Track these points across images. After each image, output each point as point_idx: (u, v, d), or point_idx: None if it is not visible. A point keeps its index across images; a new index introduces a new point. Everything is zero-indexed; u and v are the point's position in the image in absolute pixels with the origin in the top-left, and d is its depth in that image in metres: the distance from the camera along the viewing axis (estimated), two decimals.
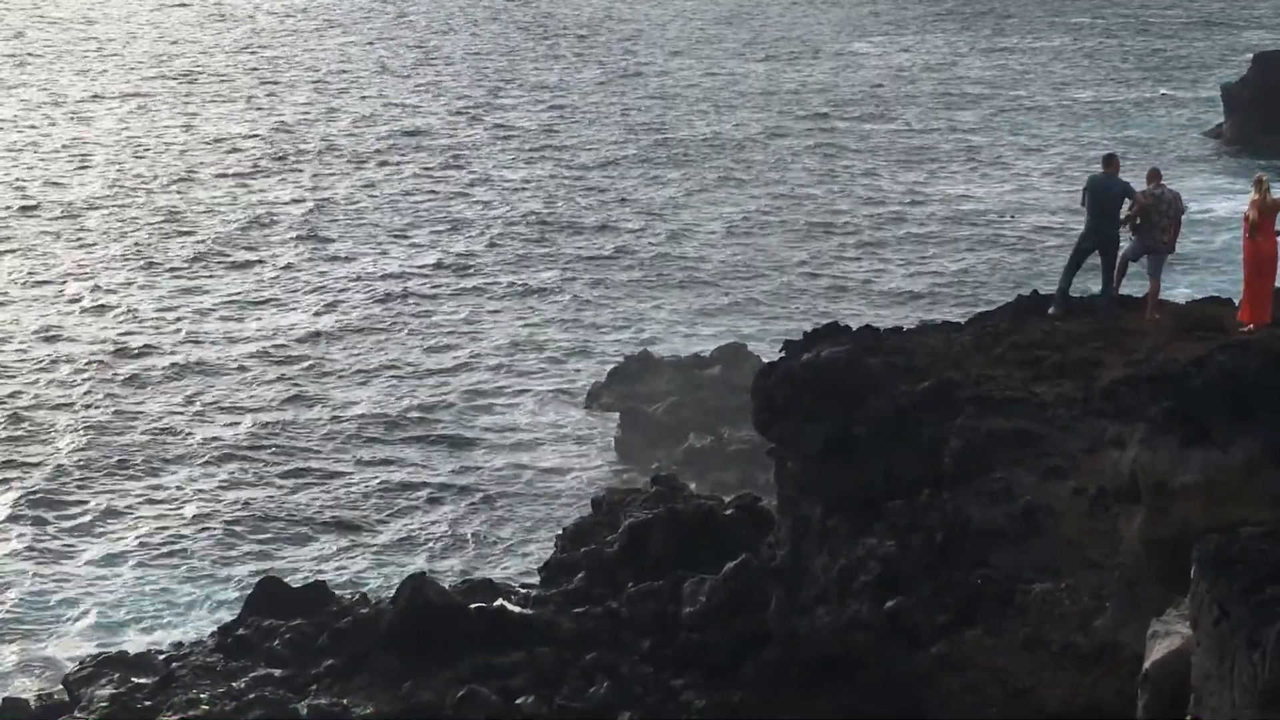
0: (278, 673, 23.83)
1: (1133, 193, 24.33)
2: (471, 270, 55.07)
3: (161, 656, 25.88)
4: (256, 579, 28.69)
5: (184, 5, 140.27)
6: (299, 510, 35.18)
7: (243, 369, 44.28)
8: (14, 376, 43.30)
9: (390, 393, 42.71)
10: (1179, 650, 13.14)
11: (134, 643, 28.37)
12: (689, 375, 41.94)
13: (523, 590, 27.15)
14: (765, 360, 31.56)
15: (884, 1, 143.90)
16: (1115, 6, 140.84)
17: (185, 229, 59.99)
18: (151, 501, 35.50)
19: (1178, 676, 12.81)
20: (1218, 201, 63.25)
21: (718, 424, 38.22)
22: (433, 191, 67.29)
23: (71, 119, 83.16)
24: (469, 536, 34.05)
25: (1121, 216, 24.42)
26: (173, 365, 44.48)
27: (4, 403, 41.27)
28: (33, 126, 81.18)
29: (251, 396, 42.10)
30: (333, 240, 58.88)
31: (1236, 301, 24.45)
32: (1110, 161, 25.04)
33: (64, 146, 75.46)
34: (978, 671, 15.20)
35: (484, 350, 46.42)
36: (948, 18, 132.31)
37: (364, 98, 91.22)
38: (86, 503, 35.35)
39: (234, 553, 33.05)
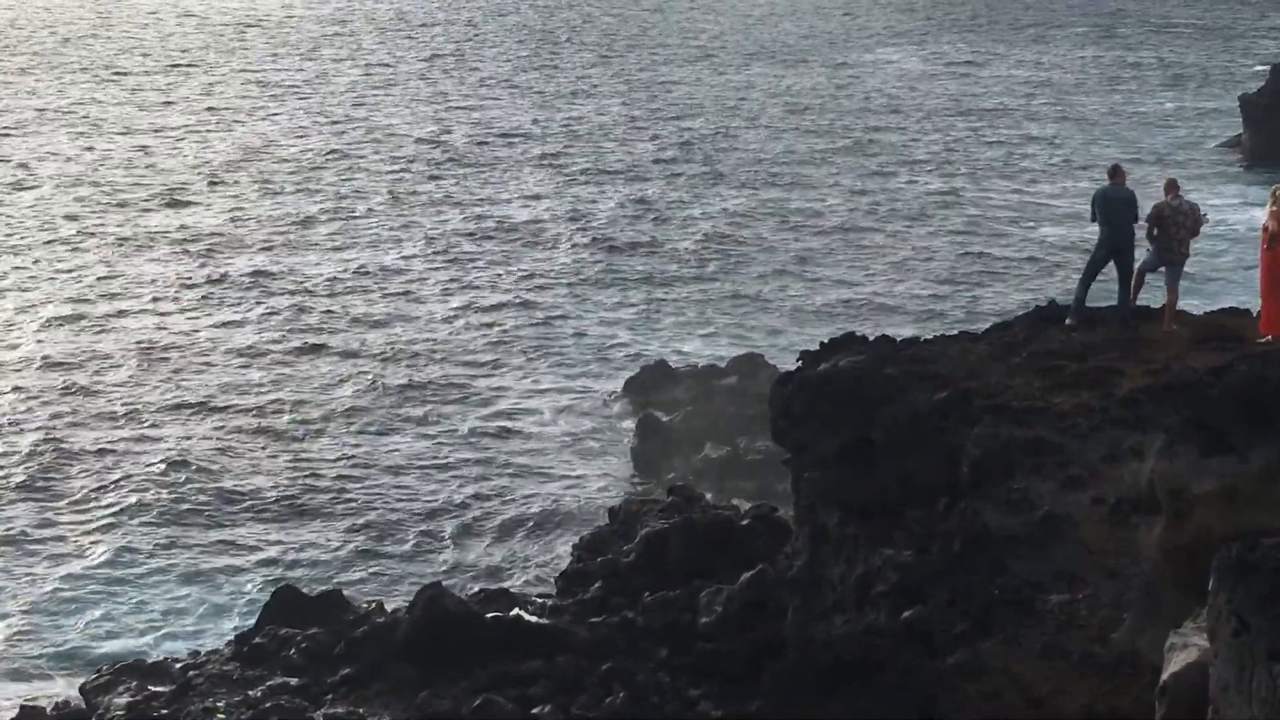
0: (294, 681, 23.85)
1: (1135, 205, 24.45)
2: (488, 281, 55.09)
3: (178, 665, 25.91)
4: (273, 588, 28.73)
5: (192, 16, 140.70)
6: (316, 519, 35.20)
7: (257, 379, 44.33)
8: (25, 378, 43.39)
9: (406, 403, 42.73)
10: (1197, 662, 13.09)
11: (151, 651, 28.40)
12: (706, 385, 41.92)
13: (539, 600, 27.16)
14: (782, 370, 31.58)
15: (897, 12, 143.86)
16: (1132, 17, 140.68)
17: (203, 235, 60.12)
18: (168, 510, 35.52)
19: (1196, 688, 12.75)
20: (1236, 213, 63.08)
21: (734, 434, 38.20)
22: (446, 201, 67.35)
23: (82, 124, 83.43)
24: (485, 546, 34.05)
25: (1135, 226, 24.57)
26: (189, 373, 44.55)
27: (18, 407, 41.36)
28: (42, 132, 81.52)
29: (267, 408, 42.14)
30: (349, 250, 58.96)
31: (1255, 313, 24.43)
32: (1116, 172, 25.17)
33: (75, 156, 75.70)
34: (996, 680, 15.18)
35: (500, 360, 46.45)
36: (961, 27, 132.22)
37: (379, 107, 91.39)
38: (103, 510, 35.40)
39: (251, 561, 33.08)
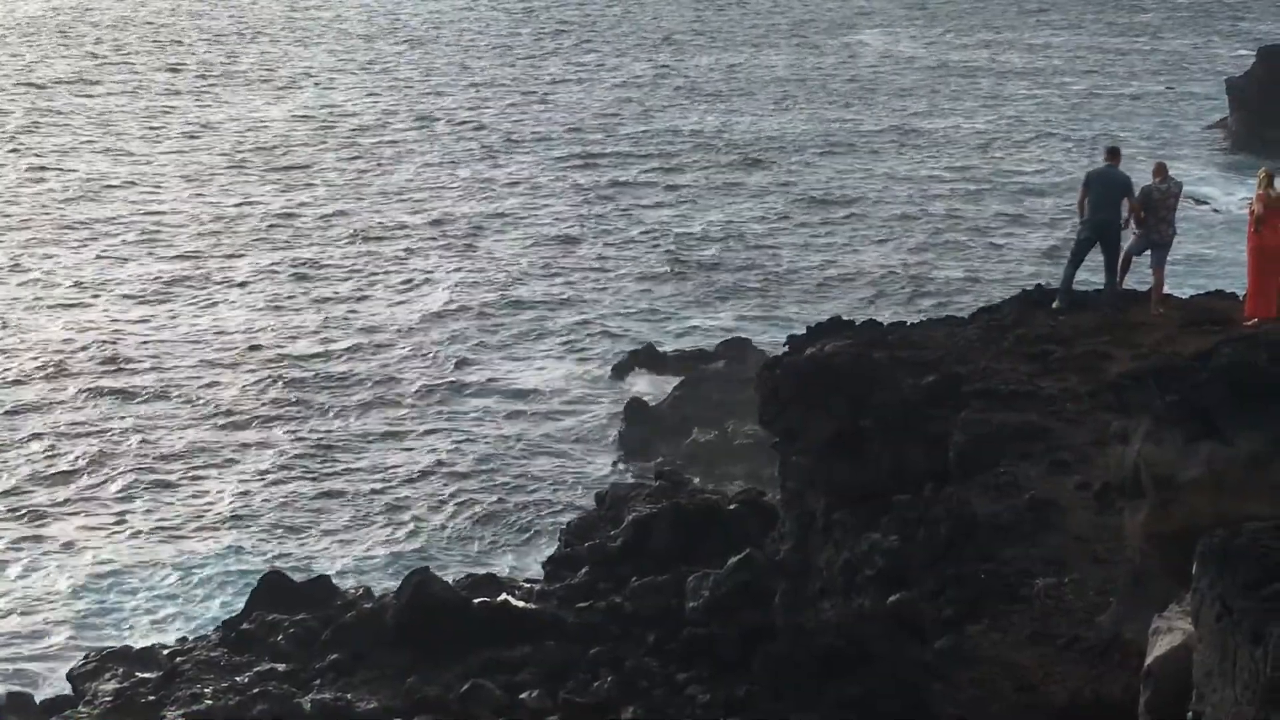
0: (282, 667, 23.87)
1: (1131, 190, 24.44)
2: (472, 267, 55.00)
3: (166, 651, 25.92)
4: (260, 574, 28.71)
5: None
6: (302, 504, 35.16)
7: (244, 364, 44.23)
8: (22, 372, 43.28)
9: (392, 389, 42.67)
10: (1181, 646, 13.13)
11: (138, 637, 28.38)
12: (693, 369, 41.91)
13: (527, 585, 27.20)
14: (770, 355, 31.59)
15: None
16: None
17: (196, 225, 59.98)
18: (154, 496, 35.48)
19: (1180, 672, 12.80)
20: (1222, 196, 63.16)
21: (722, 418, 38.20)
22: (431, 185, 67.20)
23: (64, 115, 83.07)
24: (473, 531, 34.04)
25: (1124, 216, 24.61)
26: (176, 362, 44.45)
27: (12, 398, 41.26)
28: (23, 117, 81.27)
29: (253, 392, 42.06)
30: (335, 237, 58.84)
31: (1241, 296, 24.50)
32: (1113, 154, 25.20)
33: (57, 149, 75.46)
34: (983, 665, 15.23)
35: (486, 346, 46.38)
36: (944, 10, 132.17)
37: (365, 93, 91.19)
38: (90, 498, 35.34)
39: (238, 547, 33.05)
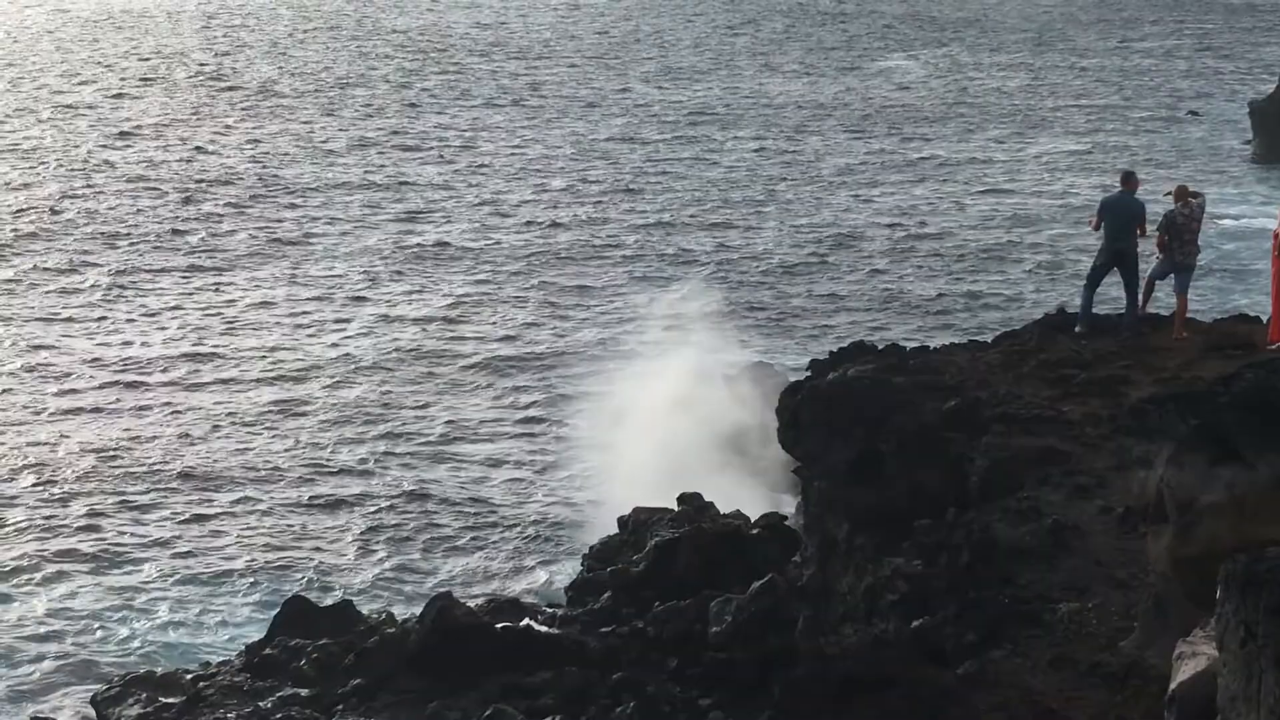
0: (304, 692, 23.91)
1: (1144, 218, 24.58)
2: (494, 288, 55.13)
3: (189, 676, 25.96)
4: (284, 598, 28.77)
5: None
6: (326, 530, 35.23)
7: (266, 387, 44.36)
8: (36, 391, 43.46)
9: (412, 412, 42.76)
10: (1206, 671, 13.10)
11: (161, 662, 28.44)
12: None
13: (549, 610, 27.24)
14: (791, 379, 31.60)
15: (894, 19, 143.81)
16: (1140, 22, 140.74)
17: (202, 240, 60.23)
18: (177, 520, 35.56)
19: (1204, 698, 12.76)
20: (1246, 220, 63.01)
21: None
22: (452, 212, 67.35)
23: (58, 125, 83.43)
24: (495, 556, 34.05)
25: (1139, 237, 24.78)
26: (194, 383, 44.60)
27: (26, 421, 41.43)
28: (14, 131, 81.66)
29: (275, 416, 42.18)
30: (342, 263, 58.99)
31: (1265, 320, 24.49)
32: (1128, 179, 25.30)
33: (53, 156, 75.77)
34: (1005, 690, 15.22)
35: (508, 370, 46.45)
36: (966, 32, 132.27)
37: (350, 115, 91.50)
38: (111, 522, 35.44)
39: (261, 572, 33.12)
